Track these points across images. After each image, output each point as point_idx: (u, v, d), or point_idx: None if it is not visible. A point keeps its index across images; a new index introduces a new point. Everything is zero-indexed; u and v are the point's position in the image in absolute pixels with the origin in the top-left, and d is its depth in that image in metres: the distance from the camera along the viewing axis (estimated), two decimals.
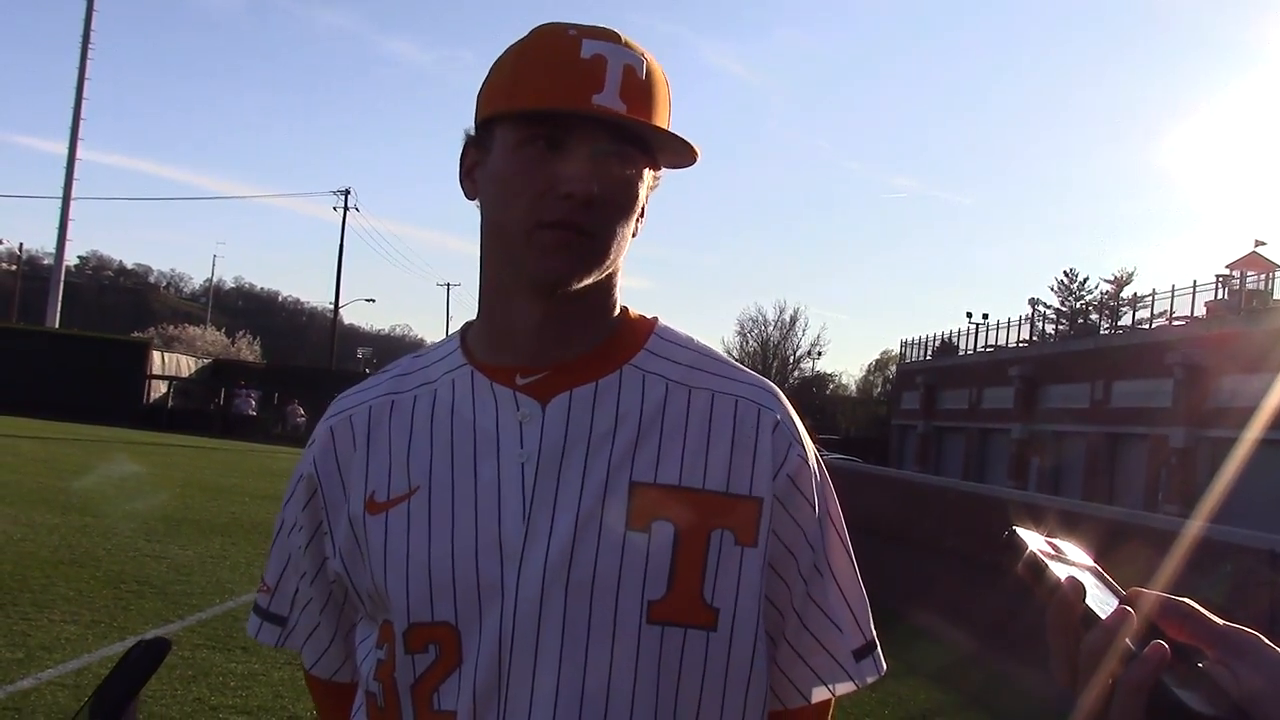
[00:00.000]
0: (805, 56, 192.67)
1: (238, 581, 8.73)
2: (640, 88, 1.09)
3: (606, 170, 1.09)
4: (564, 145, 1.09)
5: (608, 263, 1.13)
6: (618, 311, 1.21)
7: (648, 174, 1.14)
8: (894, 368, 66.97)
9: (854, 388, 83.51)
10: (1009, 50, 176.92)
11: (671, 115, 1.14)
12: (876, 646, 1.22)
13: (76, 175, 44.29)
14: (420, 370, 1.24)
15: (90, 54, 44.08)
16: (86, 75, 44.10)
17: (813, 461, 1.19)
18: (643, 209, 1.16)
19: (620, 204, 1.11)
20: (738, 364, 1.23)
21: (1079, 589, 0.74)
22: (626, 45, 1.11)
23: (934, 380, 50.81)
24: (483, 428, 1.15)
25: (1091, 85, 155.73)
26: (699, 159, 1.12)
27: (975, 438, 45.18)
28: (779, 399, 1.20)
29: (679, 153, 1.12)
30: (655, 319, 1.24)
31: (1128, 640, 0.70)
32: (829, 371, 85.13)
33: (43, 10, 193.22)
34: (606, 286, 1.17)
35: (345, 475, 1.20)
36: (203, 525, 11.83)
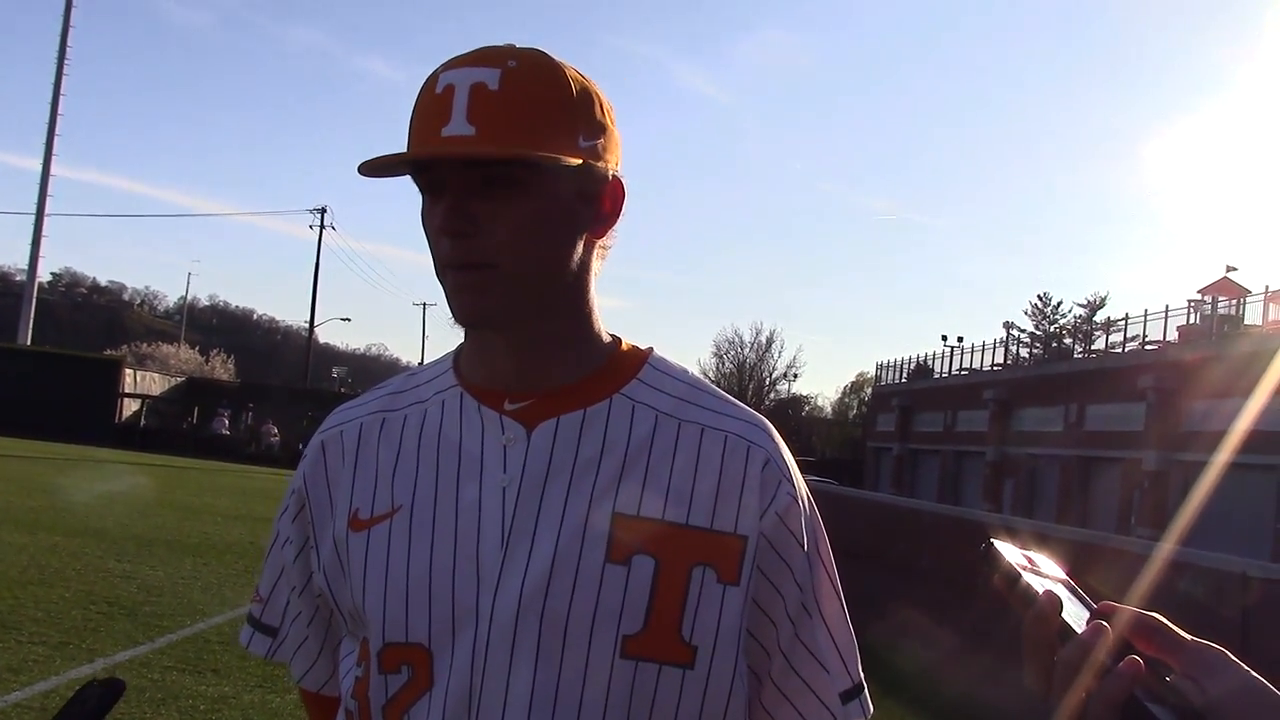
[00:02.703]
0: (778, 78, 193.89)
1: (209, 603, 8.64)
2: (491, 101, 1.05)
3: (483, 199, 1.07)
4: (435, 188, 1.09)
5: (531, 288, 1.10)
6: (608, 339, 1.20)
7: (559, 178, 1.09)
8: (869, 390, 67.20)
9: (829, 410, 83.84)
10: (982, 74, 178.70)
11: (570, 103, 1.09)
12: (864, 689, 1.21)
13: (50, 191, 44.05)
14: (413, 389, 1.23)
15: (66, 69, 43.91)
16: (62, 91, 43.90)
17: (803, 499, 1.17)
18: (592, 213, 1.13)
19: (518, 226, 1.07)
20: (731, 399, 1.20)
21: (1056, 603, 0.75)
22: (483, 61, 1.08)
23: (909, 402, 51.02)
24: (468, 450, 1.14)
25: (1065, 110, 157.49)
26: (572, 162, 1.07)
27: (950, 460, 45.36)
28: (771, 435, 1.18)
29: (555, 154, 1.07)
30: (650, 349, 1.22)
31: (1102, 655, 0.72)
32: (805, 393, 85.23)
33: (17, 26, 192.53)
34: (568, 309, 1.15)
35: (333, 491, 1.19)
36: (174, 545, 11.71)
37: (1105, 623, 0.73)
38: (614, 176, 1.15)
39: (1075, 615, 0.75)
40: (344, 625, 1.20)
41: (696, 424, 1.15)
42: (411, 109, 1.12)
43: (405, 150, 1.10)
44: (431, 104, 1.08)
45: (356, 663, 1.16)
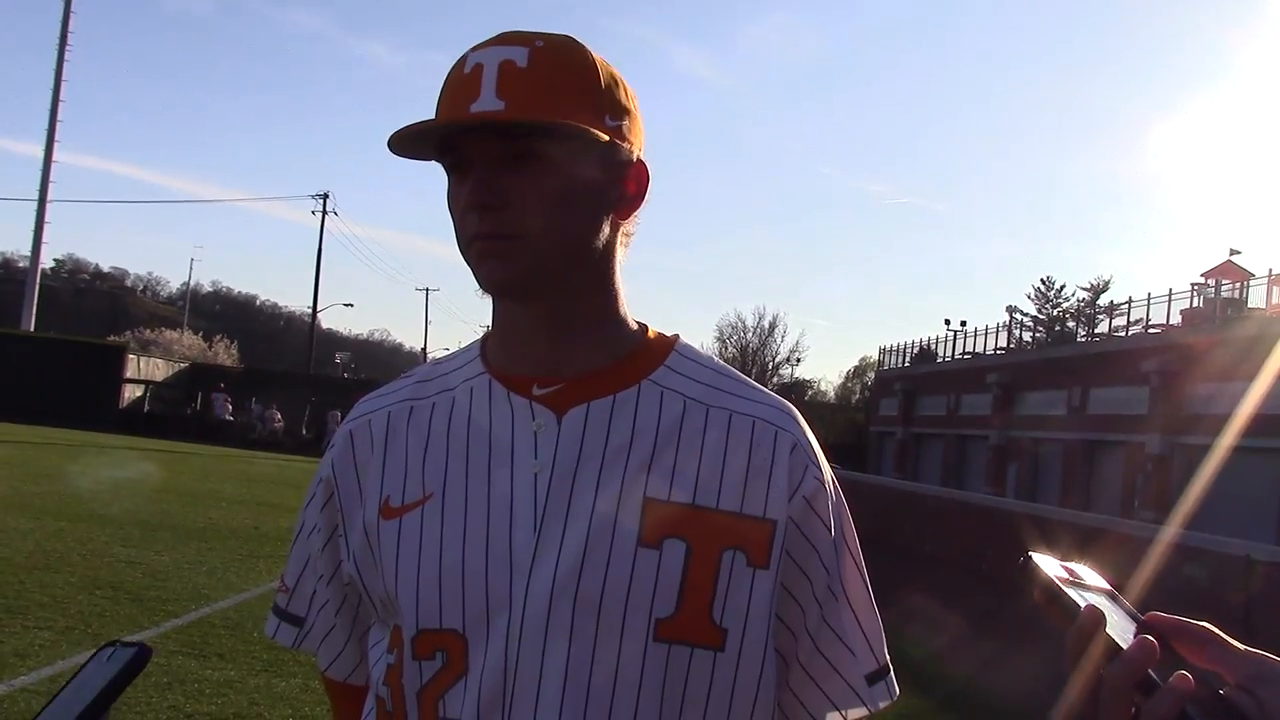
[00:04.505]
0: (777, 61, 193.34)
1: (214, 587, 8.68)
2: (519, 77, 1.07)
3: (511, 174, 1.08)
4: (463, 165, 1.10)
5: (556, 261, 1.11)
6: (635, 326, 1.21)
7: (585, 155, 1.10)
8: (872, 374, 67.17)
9: (833, 394, 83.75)
10: (985, 58, 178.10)
11: (596, 84, 1.12)
12: (890, 671, 1.22)
13: (53, 177, 44.04)
14: (440, 377, 1.23)
15: (67, 55, 43.83)
16: (63, 77, 43.84)
17: (829, 484, 1.18)
18: (617, 193, 1.14)
19: (544, 200, 1.09)
20: (757, 384, 1.22)
21: (1099, 618, 0.72)
22: (511, 41, 1.10)
23: (912, 387, 50.96)
24: (498, 437, 1.14)
25: (1069, 94, 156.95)
26: (600, 136, 1.09)
27: (953, 444, 45.35)
28: (797, 420, 1.19)
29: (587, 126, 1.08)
30: (676, 336, 1.23)
31: (1150, 670, 0.69)
32: (808, 378, 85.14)
33: (18, 11, 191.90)
34: (593, 288, 1.16)
35: (362, 479, 1.20)
36: (179, 530, 11.75)
37: (1152, 637, 0.71)
38: (639, 159, 1.17)
39: (1120, 628, 0.72)
40: (374, 612, 1.20)
41: (724, 409, 1.16)
42: (440, 91, 1.12)
43: (434, 131, 1.10)
44: (460, 82, 1.09)
45: (388, 649, 1.16)
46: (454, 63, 1.12)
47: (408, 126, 1.07)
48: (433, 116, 1.11)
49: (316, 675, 1.35)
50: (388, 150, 1.10)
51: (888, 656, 1.22)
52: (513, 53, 1.09)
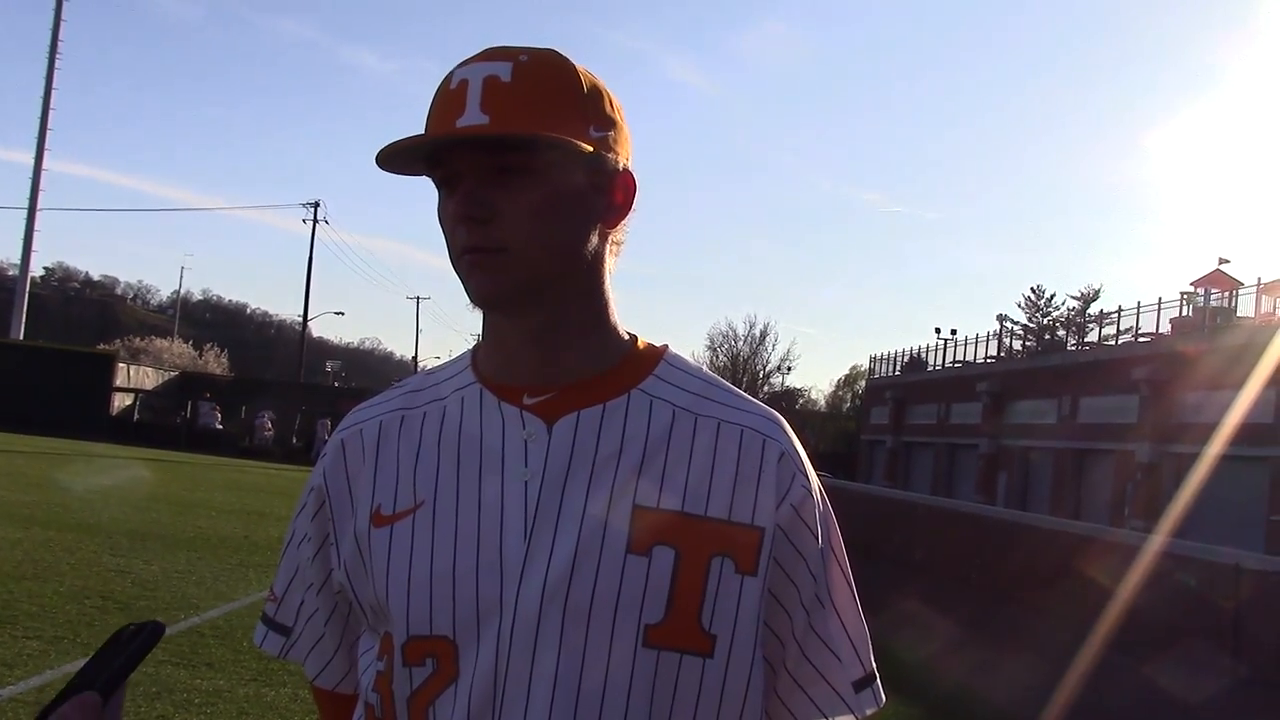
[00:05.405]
0: (769, 71, 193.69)
1: (203, 597, 8.65)
2: (503, 91, 1.09)
3: (498, 187, 1.10)
4: (453, 179, 1.11)
5: (544, 272, 1.12)
6: (626, 336, 1.22)
7: (571, 166, 1.12)
8: (863, 383, 67.32)
9: (824, 403, 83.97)
10: (977, 68, 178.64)
11: (580, 95, 1.13)
12: (876, 678, 1.23)
13: (43, 185, 43.87)
14: (432, 387, 1.25)
15: (58, 63, 43.73)
16: (54, 85, 43.73)
17: (817, 492, 1.20)
18: (604, 203, 1.16)
19: (531, 211, 1.10)
20: (745, 394, 1.23)
21: None
22: (495, 56, 1.12)
23: (903, 395, 51.09)
24: (489, 445, 1.15)
25: (1059, 104, 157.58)
26: (584, 147, 1.10)
27: (943, 452, 45.45)
28: (785, 430, 1.20)
29: (570, 138, 1.09)
30: (665, 346, 1.25)
31: None
32: (799, 386, 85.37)
33: (8, 18, 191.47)
34: (582, 297, 1.17)
35: (353, 488, 1.21)
36: (168, 540, 11.70)
37: None
38: (625, 169, 1.18)
39: None
40: (364, 620, 1.21)
41: (713, 418, 1.17)
42: (428, 109, 1.14)
43: (422, 147, 1.11)
44: (446, 98, 1.11)
45: (378, 656, 1.17)
46: (441, 80, 1.14)
47: (393, 143, 1.08)
48: (420, 133, 1.12)
49: (306, 685, 1.35)
50: (376, 166, 1.12)
51: (874, 664, 1.23)
52: (497, 68, 1.10)
